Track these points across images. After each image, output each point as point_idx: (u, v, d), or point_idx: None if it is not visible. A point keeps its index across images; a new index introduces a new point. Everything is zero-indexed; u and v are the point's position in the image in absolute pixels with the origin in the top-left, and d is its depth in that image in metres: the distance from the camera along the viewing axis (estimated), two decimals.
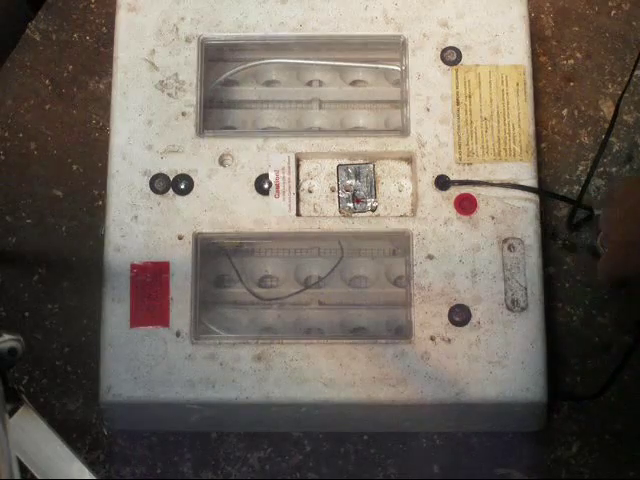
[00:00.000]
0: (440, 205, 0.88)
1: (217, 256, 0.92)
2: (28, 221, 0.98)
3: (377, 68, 0.96)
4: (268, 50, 0.94)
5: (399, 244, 0.91)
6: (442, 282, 0.86)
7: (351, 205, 0.89)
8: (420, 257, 0.86)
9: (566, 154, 0.98)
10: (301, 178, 0.90)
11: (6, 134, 1.00)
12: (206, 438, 0.92)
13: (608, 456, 0.92)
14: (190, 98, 0.90)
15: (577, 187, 0.96)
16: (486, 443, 0.92)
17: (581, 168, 0.98)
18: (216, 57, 0.95)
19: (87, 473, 0.63)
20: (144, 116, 0.90)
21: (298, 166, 0.90)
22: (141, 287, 0.86)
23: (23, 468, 0.62)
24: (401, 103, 0.91)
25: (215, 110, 0.95)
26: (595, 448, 0.92)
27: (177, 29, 0.92)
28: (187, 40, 0.91)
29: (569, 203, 0.94)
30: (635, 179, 0.76)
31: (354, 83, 0.98)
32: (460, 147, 0.89)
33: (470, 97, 0.90)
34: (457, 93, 0.90)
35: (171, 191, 0.88)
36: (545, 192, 0.92)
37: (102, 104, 1.00)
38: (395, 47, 0.92)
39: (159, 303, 0.86)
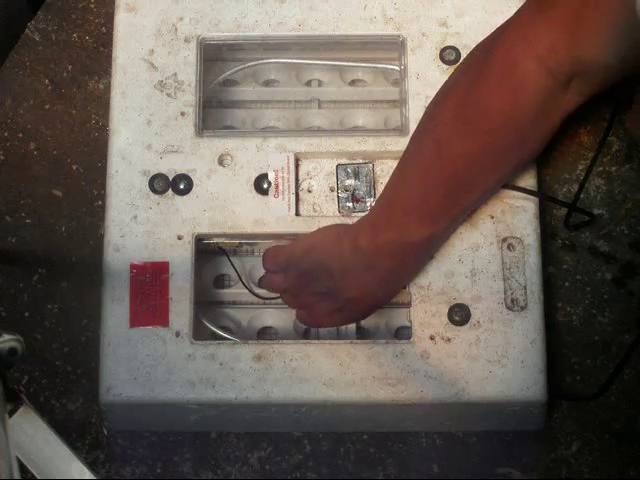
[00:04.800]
0: None
1: (216, 256, 0.92)
2: (28, 221, 0.98)
3: (376, 68, 0.96)
4: (267, 50, 0.94)
5: None
6: (441, 281, 0.86)
7: (350, 205, 0.89)
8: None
9: (565, 153, 0.98)
10: (300, 178, 0.90)
11: (6, 134, 1.00)
12: (206, 438, 0.92)
13: (608, 456, 0.92)
14: (189, 98, 0.90)
15: (576, 186, 0.96)
16: (486, 443, 0.92)
17: (580, 167, 0.98)
18: (215, 57, 0.95)
19: (87, 473, 0.63)
20: (143, 116, 0.90)
21: (297, 166, 0.90)
22: (141, 287, 0.86)
23: (23, 468, 0.61)
24: (400, 102, 0.91)
25: (214, 110, 0.95)
26: (595, 448, 0.92)
27: (176, 29, 0.92)
28: (186, 40, 0.91)
29: (565, 206, 0.94)
30: None
31: (353, 83, 0.98)
32: None
33: None
34: None
35: (170, 191, 0.88)
36: (543, 195, 0.92)
37: (102, 104, 1.00)
38: (394, 46, 0.92)
39: (159, 303, 0.86)
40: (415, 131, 0.84)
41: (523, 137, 0.79)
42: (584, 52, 0.73)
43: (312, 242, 0.86)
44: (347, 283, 0.84)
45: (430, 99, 0.88)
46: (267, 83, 0.98)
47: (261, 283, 0.92)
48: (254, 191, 0.89)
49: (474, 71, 0.79)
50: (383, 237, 0.82)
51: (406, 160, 0.83)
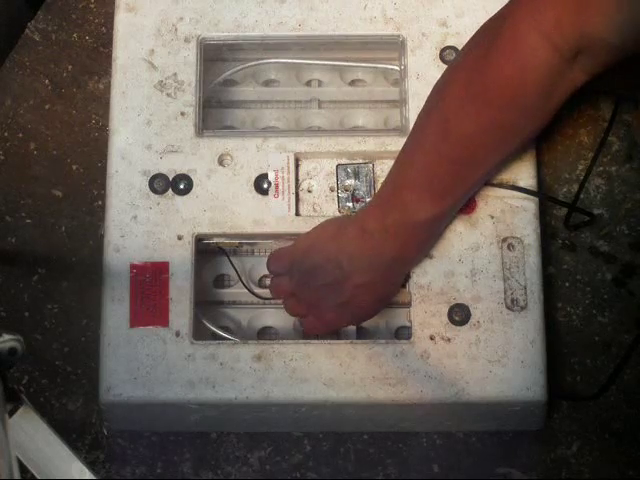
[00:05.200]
0: None
1: (216, 256, 0.92)
2: (28, 221, 0.98)
3: (376, 68, 0.96)
4: (267, 50, 0.94)
5: None
6: (441, 281, 0.86)
7: (350, 205, 0.89)
8: (419, 256, 0.86)
9: (566, 153, 0.98)
10: (300, 178, 0.90)
11: (6, 134, 1.00)
12: (206, 438, 0.92)
13: (608, 456, 0.92)
14: (189, 98, 0.90)
15: (577, 186, 0.96)
16: (486, 443, 0.92)
17: (581, 167, 0.98)
18: (215, 57, 0.95)
19: (87, 473, 0.63)
20: (143, 116, 0.90)
21: (297, 166, 0.90)
22: (141, 287, 0.86)
23: (23, 468, 0.62)
24: (400, 102, 0.91)
25: (214, 110, 0.95)
26: (595, 448, 0.92)
27: (176, 29, 0.92)
28: (186, 40, 0.91)
29: (565, 206, 0.94)
30: None
31: (353, 83, 0.98)
32: None
33: None
34: None
35: (170, 191, 0.88)
36: (543, 195, 0.92)
37: (102, 104, 1.00)
38: (394, 47, 0.92)
39: (159, 303, 0.86)
40: (421, 111, 0.84)
41: (529, 113, 0.80)
42: (589, 27, 0.74)
43: (313, 238, 0.86)
44: (355, 269, 0.83)
45: None
46: (267, 83, 0.98)
47: (261, 283, 0.92)
48: (254, 191, 0.89)
49: (481, 49, 0.79)
50: (391, 218, 0.82)
51: (412, 139, 0.84)
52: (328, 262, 0.84)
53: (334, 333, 0.90)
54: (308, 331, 0.88)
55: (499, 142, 0.82)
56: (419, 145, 0.83)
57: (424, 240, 0.85)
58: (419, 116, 0.84)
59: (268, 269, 0.88)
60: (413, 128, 0.85)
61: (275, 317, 0.93)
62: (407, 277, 0.87)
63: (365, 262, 0.83)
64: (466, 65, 0.81)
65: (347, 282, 0.84)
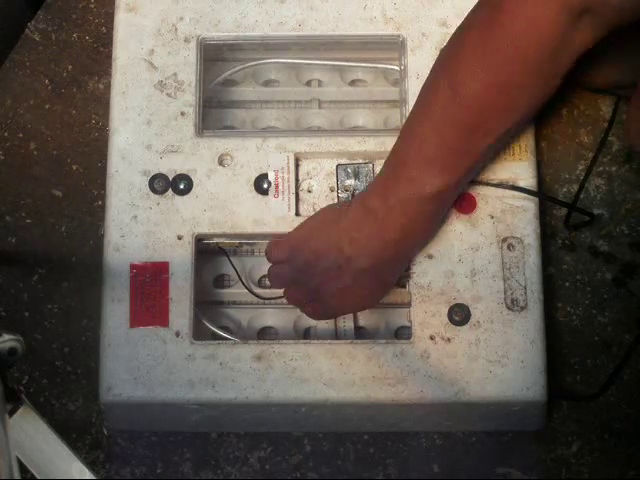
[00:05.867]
0: None
1: (216, 256, 0.92)
2: (28, 221, 0.98)
3: (376, 68, 0.96)
4: (267, 50, 0.94)
5: None
6: (441, 281, 0.86)
7: None
8: (419, 256, 0.86)
9: (565, 153, 0.98)
10: (300, 178, 0.90)
11: (6, 134, 1.00)
12: (206, 438, 0.93)
13: (608, 456, 0.92)
14: (189, 98, 0.90)
15: (576, 186, 0.96)
16: (486, 443, 0.92)
17: (580, 167, 0.98)
18: (215, 57, 0.95)
19: (87, 473, 0.63)
20: (143, 116, 0.90)
21: (297, 166, 0.90)
22: (140, 287, 0.86)
23: (23, 468, 0.62)
24: (400, 102, 0.91)
25: (214, 110, 0.95)
26: (595, 447, 0.92)
27: (176, 29, 0.92)
28: (186, 40, 0.91)
29: (565, 206, 0.94)
30: None
31: (353, 83, 0.98)
32: None
33: None
34: None
35: (170, 191, 0.88)
36: (543, 195, 0.92)
37: (102, 104, 1.00)
38: (394, 47, 0.92)
39: (158, 303, 0.86)
40: (426, 80, 0.82)
41: (538, 73, 0.79)
42: None
43: (313, 223, 0.85)
44: (356, 253, 0.82)
45: None
46: (267, 83, 0.98)
47: (261, 283, 0.92)
48: (254, 191, 0.89)
49: (487, 9, 0.78)
50: (396, 194, 0.81)
51: (417, 110, 0.82)
52: (329, 246, 0.83)
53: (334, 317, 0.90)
54: (310, 317, 0.88)
55: (508, 105, 0.80)
56: (425, 113, 0.81)
57: (431, 216, 0.83)
58: (424, 86, 0.82)
59: (268, 258, 0.87)
60: (417, 100, 0.83)
61: (275, 317, 0.93)
62: (407, 277, 0.87)
63: (367, 245, 0.82)
64: (472, 27, 0.79)
65: (349, 266, 0.83)
